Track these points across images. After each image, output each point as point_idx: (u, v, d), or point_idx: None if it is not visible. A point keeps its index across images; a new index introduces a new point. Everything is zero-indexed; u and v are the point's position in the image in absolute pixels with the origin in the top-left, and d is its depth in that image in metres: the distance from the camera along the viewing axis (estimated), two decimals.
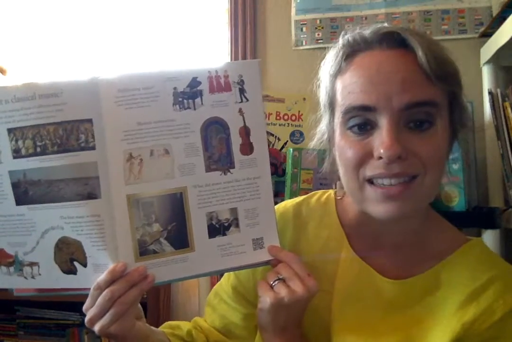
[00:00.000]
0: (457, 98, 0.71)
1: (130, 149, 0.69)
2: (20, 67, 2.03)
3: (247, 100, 0.73)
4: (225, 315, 0.88)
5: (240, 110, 0.73)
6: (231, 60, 1.93)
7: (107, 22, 2.03)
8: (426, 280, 0.73)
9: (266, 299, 0.71)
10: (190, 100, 0.71)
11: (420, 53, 0.66)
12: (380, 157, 0.66)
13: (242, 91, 0.73)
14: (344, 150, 0.70)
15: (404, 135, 0.66)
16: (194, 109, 0.71)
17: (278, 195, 1.65)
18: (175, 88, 0.71)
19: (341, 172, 0.73)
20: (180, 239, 0.71)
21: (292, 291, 0.69)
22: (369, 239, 0.78)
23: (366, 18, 1.86)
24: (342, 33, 0.74)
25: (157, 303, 1.69)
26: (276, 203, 1.53)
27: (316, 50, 1.88)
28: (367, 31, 0.71)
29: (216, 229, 0.73)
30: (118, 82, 0.69)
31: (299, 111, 1.69)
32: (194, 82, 0.71)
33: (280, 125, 1.69)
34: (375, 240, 0.77)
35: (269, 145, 1.67)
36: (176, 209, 0.71)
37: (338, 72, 0.72)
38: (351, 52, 0.71)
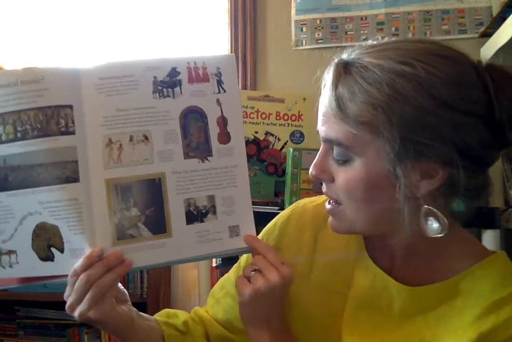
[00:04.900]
0: (387, 131, 0.65)
1: (109, 134, 0.70)
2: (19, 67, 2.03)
3: (225, 91, 0.75)
4: (229, 309, 0.87)
5: (218, 101, 0.75)
6: None
7: (108, 21, 2.03)
8: (443, 289, 0.71)
9: (244, 292, 0.73)
10: (170, 89, 0.73)
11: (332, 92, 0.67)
12: None
13: (219, 82, 0.75)
14: None
15: (331, 162, 0.70)
16: (174, 97, 0.73)
17: (278, 195, 1.65)
18: (155, 77, 0.72)
19: None
20: (158, 224, 0.72)
21: (267, 279, 0.71)
22: (382, 244, 0.77)
23: (366, 18, 1.86)
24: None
25: (157, 303, 1.69)
26: (276, 202, 1.56)
27: (316, 50, 1.88)
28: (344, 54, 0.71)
29: (194, 215, 0.73)
30: (99, 70, 0.71)
31: (299, 111, 1.69)
32: (174, 72, 0.73)
33: (280, 125, 1.69)
34: (387, 246, 0.76)
35: (269, 145, 1.68)
36: (154, 194, 0.71)
37: None
38: None
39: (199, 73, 0.74)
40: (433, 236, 0.67)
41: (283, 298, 0.75)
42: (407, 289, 0.73)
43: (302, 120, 1.69)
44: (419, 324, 0.71)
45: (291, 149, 1.50)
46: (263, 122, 1.68)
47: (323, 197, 0.84)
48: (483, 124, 0.65)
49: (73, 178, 0.69)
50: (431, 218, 0.68)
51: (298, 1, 1.89)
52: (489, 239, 1.34)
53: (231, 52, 1.93)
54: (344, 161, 0.68)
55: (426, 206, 0.67)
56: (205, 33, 2.00)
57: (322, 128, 0.70)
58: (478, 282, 0.70)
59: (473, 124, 0.65)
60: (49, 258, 0.71)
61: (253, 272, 0.73)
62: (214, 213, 0.74)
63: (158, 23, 2.01)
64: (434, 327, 0.70)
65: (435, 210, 0.67)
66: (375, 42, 0.70)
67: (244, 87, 1.91)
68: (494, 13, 1.67)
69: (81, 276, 0.67)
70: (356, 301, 0.76)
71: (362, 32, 1.86)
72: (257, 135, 1.68)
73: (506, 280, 0.70)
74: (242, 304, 0.75)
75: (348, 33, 1.88)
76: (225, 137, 0.75)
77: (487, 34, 1.58)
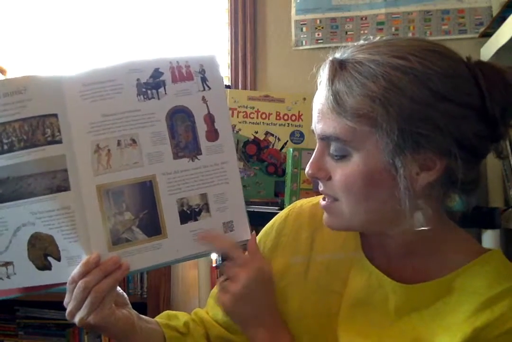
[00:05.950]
0: (386, 122, 0.65)
1: (97, 140, 0.70)
2: (20, 67, 2.04)
3: (210, 88, 0.75)
4: None
5: (204, 98, 0.75)
6: (231, 59, 1.94)
7: (107, 22, 2.03)
8: (438, 287, 0.71)
9: (223, 302, 0.75)
10: (154, 90, 0.73)
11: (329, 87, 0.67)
12: None
13: (204, 80, 0.75)
14: None
15: (328, 160, 0.70)
16: (158, 99, 0.73)
17: (278, 195, 1.65)
18: (138, 79, 0.72)
19: None
20: (152, 226, 0.72)
21: (236, 283, 0.73)
22: (379, 243, 0.77)
23: (366, 18, 1.86)
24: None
25: (157, 303, 1.70)
26: (276, 202, 1.56)
27: (316, 50, 1.88)
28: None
29: (188, 214, 0.74)
30: (82, 77, 0.71)
31: (299, 111, 1.69)
32: (156, 73, 0.73)
33: (280, 125, 1.69)
34: (384, 245, 0.77)
35: (269, 145, 1.68)
36: (146, 197, 0.72)
37: None
38: None
39: (182, 72, 0.74)
40: (419, 228, 0.68)
41: (267, 292, 0.76)
42: (402, 287, 0.73)
43: (302, 120, 1.69)
44: (415, 321, 0.72)
45: (291, 149, 1.50)
46: (263, 122, 1.68)
47: (320, 197, 0.85)
48: (477, 117, 0.66)
49: (63, 187, 0.69)
50: (419, 212, 0.69)
51: (298, 1, 1.89)
52: (489, 239, 1.34)
53: (231, 52, 1.93)
54: (342, 156, 0.68)
55: (422, 200, 0.68)
56: (205, 33, 2.00)
57: (318, 125, 0.70)
58: (474, 279, 0.70)
59: (468, 116, 0.66)
60: (46, 267, 0.71)
61: (225, 282, 0.75)
62: (208, 210, 0.75)
63: (158, 23, 2.01)
64: (430, 324, 0.70)
65: (423, 202, 0.68)
66: (366, 42, 0.71)
67: (244, 87, 1.91)
68: (494, 13, 1.67)
69: (79, 283, 0.68)
70: (352, 300, 0.76)
71: (362, 32, 1.86)
72: (257, 135, 1.68)
73: (501, 276, 0.70)
74: (228, 313, 0.77)
75: (348, 33, 1.88)
76: (213, 134, 0.75)
77: (487, 34, 1.58)
